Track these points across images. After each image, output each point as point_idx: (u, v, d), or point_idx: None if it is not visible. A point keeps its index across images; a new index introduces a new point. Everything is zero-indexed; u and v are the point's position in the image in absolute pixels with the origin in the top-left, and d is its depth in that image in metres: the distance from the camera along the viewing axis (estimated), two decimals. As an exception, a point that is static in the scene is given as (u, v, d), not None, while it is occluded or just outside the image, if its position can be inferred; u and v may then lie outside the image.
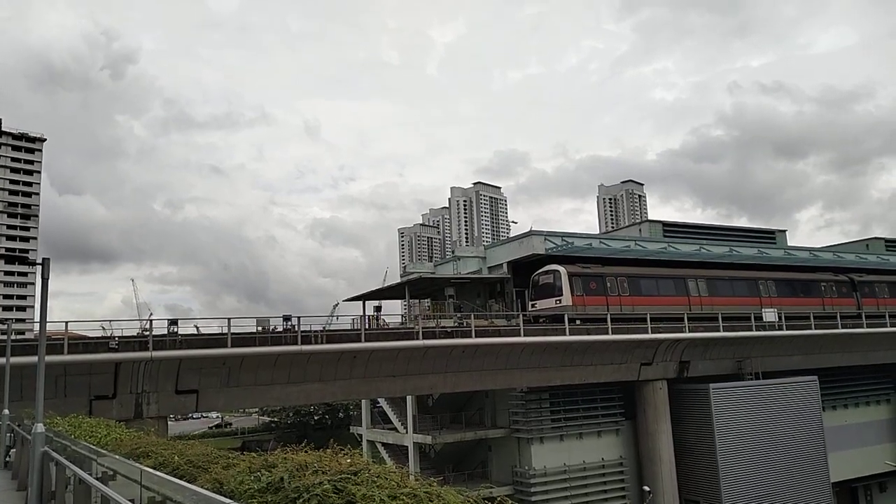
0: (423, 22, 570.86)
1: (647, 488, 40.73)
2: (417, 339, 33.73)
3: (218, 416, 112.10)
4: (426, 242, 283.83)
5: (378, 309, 48.79)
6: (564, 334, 37.31)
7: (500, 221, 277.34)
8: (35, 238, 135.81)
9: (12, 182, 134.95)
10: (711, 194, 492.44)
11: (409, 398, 45.53)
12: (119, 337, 28.60)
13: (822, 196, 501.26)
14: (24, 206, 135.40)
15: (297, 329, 31.28)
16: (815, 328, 46.14)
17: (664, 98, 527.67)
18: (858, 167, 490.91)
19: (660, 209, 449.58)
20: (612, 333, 38.52)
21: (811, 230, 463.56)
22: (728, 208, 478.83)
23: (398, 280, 58.83)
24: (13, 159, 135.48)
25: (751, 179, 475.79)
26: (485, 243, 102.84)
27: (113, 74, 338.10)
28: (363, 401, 54.19)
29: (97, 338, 29.07)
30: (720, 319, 42.45)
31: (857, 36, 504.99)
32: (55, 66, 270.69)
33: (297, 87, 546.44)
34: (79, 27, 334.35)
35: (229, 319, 30.04)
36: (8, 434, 18.00)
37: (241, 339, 30.02)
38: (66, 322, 27.42)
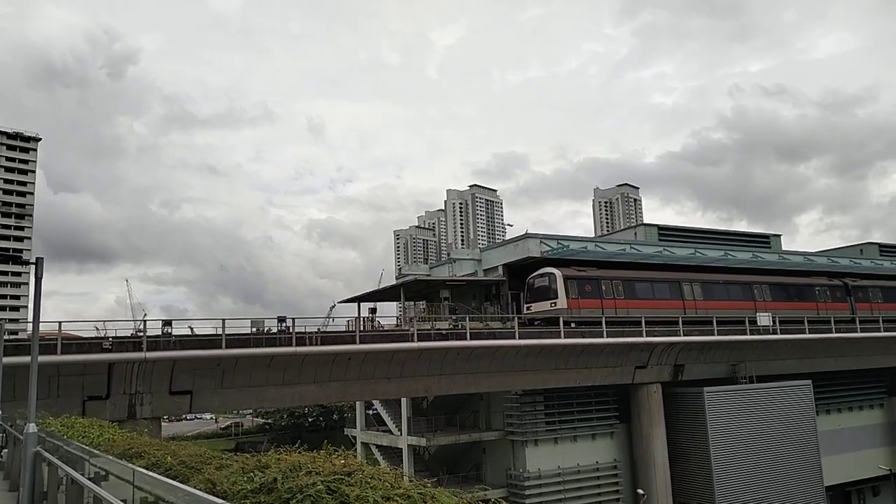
0: (423, 24, 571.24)
1: (641, 491, 40.77)
2: (412, 341, 33.69)
3: (212, 418, 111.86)
4: (422, 244, 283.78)
5: (373, 311, 48.81)
6: (559, 337, 37.33)
7: (496, 224, 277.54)
8: (29, 238, 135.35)
9: (6, 181, 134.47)
10: (712, 197, 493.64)
11: (403, 400, 45.48)
12: (113, 337, 28.52)
13: (822, 200, 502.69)
14: (18, 205, 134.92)
15: (291, 330, 31.24)
16: (810, 332, 46.26)
17: (663, 102, 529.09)
18: (860, 171, 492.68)
19: (660, 212, 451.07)
20: (607, 337, 38.56)
21: (811, 234, 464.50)
22: (729, 211, 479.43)
23: (394, 282, 58.81)
24: (8, 158, 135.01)
25: (752, 183, 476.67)
26: (480, 246, 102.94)
27: (112, 74, 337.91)
28: (357, 403, 54.13)
29: (91, 338, 28.97)
30: (715, 323, 42.52)
31: (857, 41, 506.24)
32: (55, 64, 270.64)
33: (297, 89, 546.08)
34: (80, 25, 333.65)
35: (224, 320, 29.99)
36: (0, 434, 17.91)
37: (236, 341, 29.96)
38: (60, 322, 27.29)
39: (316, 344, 31.37)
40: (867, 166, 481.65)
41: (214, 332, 30.04)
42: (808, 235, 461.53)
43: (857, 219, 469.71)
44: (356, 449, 52.63)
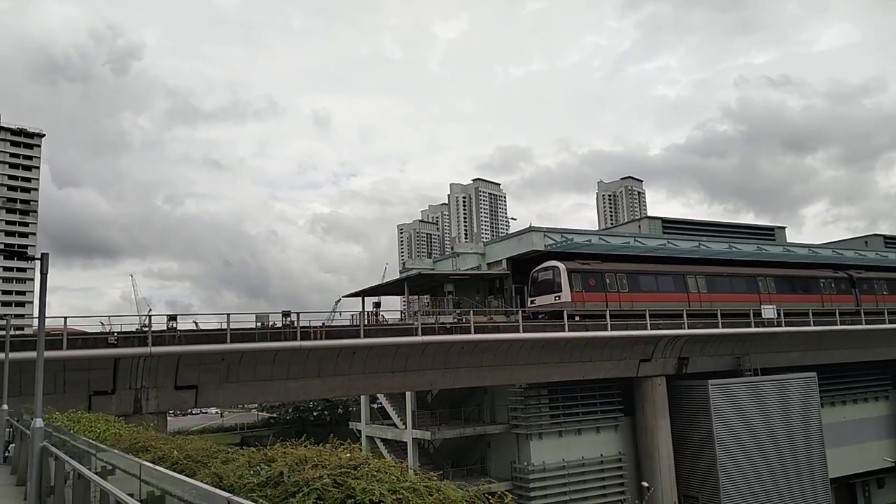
0: (425, 18, 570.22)
1: (646, 484, 40.77)
2: (416, 335, 33.74)
3: (217, 412, 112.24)
4: (425, 238, 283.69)
5: (377, 305, 48.84)
6: (563, 330, 37.32)
7: (500, 218, 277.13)
8: (34, 233, 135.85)
9: (11, 177, 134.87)
10: (718, 189, 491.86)
11: (408, 394, 45.54)
12: (118, 333, 28.59)
13: (829, 191, 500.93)
14: (23, 201, 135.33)
15: (296, 325, 31.30)
16: (814, 325, 46.15)
17: (667, 95, 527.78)
18: (867, 162, 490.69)
19: (667, 204, 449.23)
20: (612, 330, 38.52)
21: (818, 225, 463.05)
22: (735, 203, 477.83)
23: (398, 276, 58.78)
24: (12, 154, 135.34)
25: (758, 174, 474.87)
26: (484, 239, 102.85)
27: (116, 69, 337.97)
28: (362, 396, 54.24)
29: (96, 333, 29.02)
30: (719, 316, 42.46)
31: (860, 34, 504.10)
32: (57, 60, 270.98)
33: (300, 84, 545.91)
34: (82, 21, 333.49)
35: (228, 315, 30.08)
36: (7, 429, 18.02)
37: (241, 335, 30.03)
38: (66, 318, 27.30)
39: (320, 338, 31.41)
40: (874, 157, 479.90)
41: (219, 327, 30.15)
42: (814, 227, 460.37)
43: (864, 210, 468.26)
44: (361, 443, 52.79)
